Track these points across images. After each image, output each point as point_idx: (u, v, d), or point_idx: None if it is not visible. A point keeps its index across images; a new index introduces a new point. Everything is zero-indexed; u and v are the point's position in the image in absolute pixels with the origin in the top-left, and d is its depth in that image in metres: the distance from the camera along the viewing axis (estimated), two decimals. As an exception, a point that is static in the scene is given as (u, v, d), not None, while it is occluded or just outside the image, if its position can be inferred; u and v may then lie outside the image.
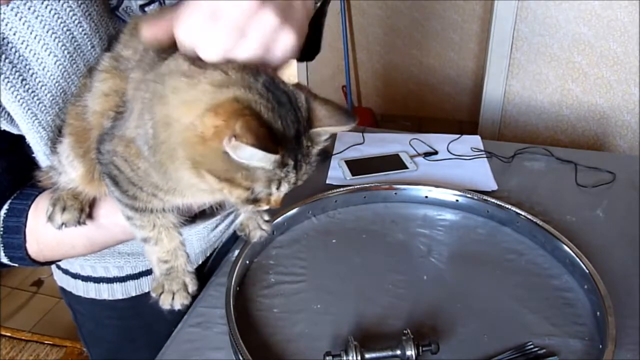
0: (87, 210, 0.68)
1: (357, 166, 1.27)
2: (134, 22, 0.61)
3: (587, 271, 0.90)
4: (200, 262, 0.99)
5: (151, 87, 0.51)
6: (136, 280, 0.94)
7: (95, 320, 1.00)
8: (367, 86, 3.42)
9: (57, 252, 0.73)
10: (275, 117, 0.48)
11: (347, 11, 3.17)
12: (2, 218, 0.68)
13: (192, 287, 0.64)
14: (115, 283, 0.93)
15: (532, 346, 0.81)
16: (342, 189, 1.13)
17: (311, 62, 3.41)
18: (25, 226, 0.68)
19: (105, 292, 0.93)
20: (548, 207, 1.12)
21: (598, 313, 0.85)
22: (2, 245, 0.69)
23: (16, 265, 0.73)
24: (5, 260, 0.71)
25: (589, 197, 1.18)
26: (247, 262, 0.97)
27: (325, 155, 1.32)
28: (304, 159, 0.51)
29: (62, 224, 0.66)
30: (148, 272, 0.94)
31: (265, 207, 0.55)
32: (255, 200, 0.53)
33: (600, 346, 0.80)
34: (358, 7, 3.18)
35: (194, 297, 0.93)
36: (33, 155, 0.69)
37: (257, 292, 0.92)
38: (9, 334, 1.53)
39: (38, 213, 0.68)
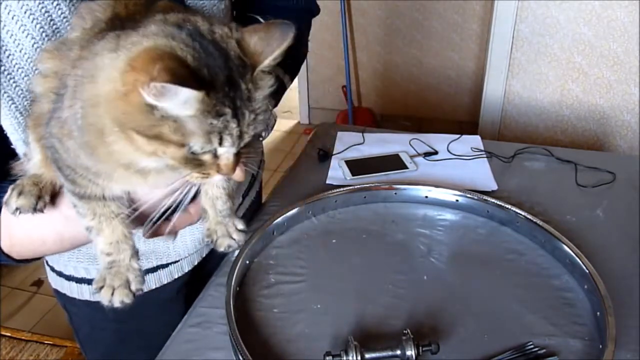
0: (46, 198, 0.64)
1: (357, 166, 1.27)
2: (84, 5, 0.59)
3: (587, 271, 0.90)
4: (196, 263, 0.98)
5: (84, 65, 0.50)
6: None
7: (90, 322, 0.99)
8: (367, 86, 3.42)
9: (29, 248, 0.70)
10: (201, 64, 0.45)
11: (347, 11, 3.17)
12: None
13: (135, 285, 0.60)
14: None
15: (532, 346, 0.81)
16: (342, 189, 1.13)
17: (311, 62, 3.41)
18: None
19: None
20: (548, 207, 1.12)
21: (598, 313, 0.85)
22: None
23: None
24: None
25: (589, 197, 1.18)
26: (247, 262, 0.97)
27: (326, 155, 1.32)
28: (244, 105, 0.48)
29: (17, 208, 0.62)
30: None
31: (217, 177, 0.52)
32: (199, 164, 0.50)
33: (600, 346, 0.80)
34: (358, 7, 3.18)
35: (194, 297, 0.94)
36: (12, 146, 0.67)
37: (257, 292, 0.92)
38: (9, 334, 1.53)
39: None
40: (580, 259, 0.92)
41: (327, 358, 0.76)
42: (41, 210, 0.64)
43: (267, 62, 0.50)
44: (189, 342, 0.84)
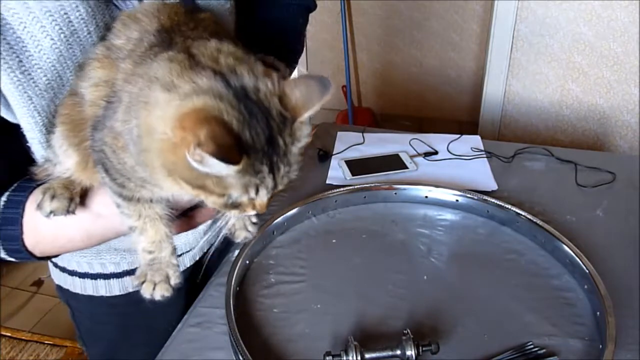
0: (77, 200, 0.67)
1: (357, 166, 1.27)
2: (127, 12, 0.62)
3: (587, 271, 0.90)
4: (197, 258, 0.99)
5: (139, 85, 0.52)
6: (133, 276, 0.93)
7: (92, 317, 1.00)
8: (367, 86, 3.42)
9: (54, 245, 0.72)
10: (244, 126, 0.49)
11: (347, 11, 3.17)
12: (0, 209, 0.68)
13: (174, 279, 0.64)
14: (112, 279, 0.93)
15: (532, 346, 0.81)
16: (342, 189, 1.13)
17: (311, 62, 3.41)
18: (22, 217, 0.68)
19: (102, 289, 0.93)
20: (548, 207, 1.12)
21: (598, 313, 0.85)
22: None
23: (13, 259, 0.72)
24: (2, 254, 0.71)
25: (589, 197, 1.18)
26: (247, 262, 0.97)
27: (326, 155, 1.32)
28: (281, 160, 0.52)
29: (51, 212, 0.65)
30: None
31: (252, 212, 0.56)
32: (236, 205, 0.54)
33: (600, 346, 0.80)
34: (358, 7, 3.18)
35: (194, 292, 0.94)
36: (28, 144, 0.69)
37: (257, 292, 0.92)
38: (9, 334, 1.53)
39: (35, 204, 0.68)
40: (580, 259, 0.92)
41: (327, 358, 0.76)
42: (73, 212, 0.67)
43: (307, 115, 0.53)
44: (189, 342, 0.84)
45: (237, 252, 0.95)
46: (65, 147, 0.65)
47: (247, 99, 0.50)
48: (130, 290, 0.94)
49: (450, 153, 1.34)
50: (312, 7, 1.01)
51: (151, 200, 0.62)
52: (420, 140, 1.38)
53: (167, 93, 0.50)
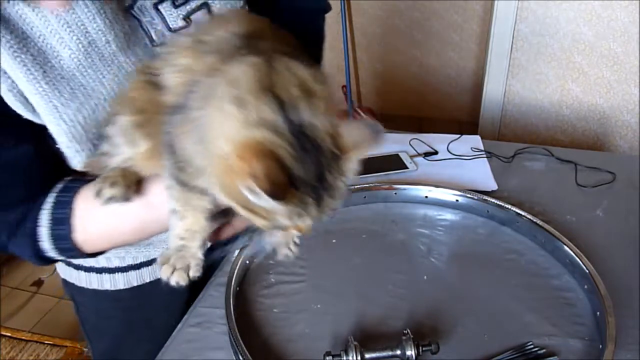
0: (134, 188, 0.69)
1: (357, 166, 1.27)
2: (217, 14, 0.67)
3: (587, 271, 0.90)
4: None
5: (217, 83, 0.54)
6: (137, 271, 0.94)
7: (97, 312, 1.01)
8: (367, 86, 3.42)
9: (105, 239, 0.74)
10: (297, 162, 0.51)
11: (347, 11, 3.17)
12: (49, 210, 0.71)
13: (193, 272, 0.65)
14: (117, 273, 0.93)
15: (532, 346, 0.81)
16: (342, 189, 1.13)
17: (311, 62, 3.41)
18: (70, 217, 0.70)
19: (107, 283, 0.94)
20: (548, 207, 1.12)
21: (598, 313, 0.85)
22: (51, 237, 0.71)
23: (62, 258, 0.75)
24: (53, 253, 0.73)
25: (589, 197, 1.18)
26: (247, 262, 0.97)
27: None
28: (327, 193, 0.54)
29: (110, 198, 0.67)
30: (149, 263, 0.94)
31: (296, 233, 0.58)
32: (280, 227, 0.56)
33: (600, 346, 0.80)
34: (358, 7, 3.18)
35: (197, 288, 0.95)
36: (57, 146, 0.71)
37: (257, 292, 0.92)
38: (9, 334, 1.53)
39: (85, 201, 0.70)
40: (580, 259, 0.92)
41: (327, 358, 0.76)
42: (130, 199, 0.68)
43: (356, 156, 0.56)
44: (189, 342, 0.84)
45: (237, 252, 0.95)
46: (132, 136, 0.66)
47: (303, 135, 0.52)
48: (135, 284, 0.95)
49: (450, 153, 1.34)
50: (327, 8, 1.02)
51: (203, 193, 0.62)
52: (420, 140, 1.38)
53: (236, 109, 0.52)
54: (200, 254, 0.66)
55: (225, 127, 0.53)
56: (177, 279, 0.64)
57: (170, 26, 0.74)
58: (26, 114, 0.67)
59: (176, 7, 0.74)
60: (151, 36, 0.73)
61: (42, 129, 0.69)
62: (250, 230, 0.75)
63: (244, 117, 0.52)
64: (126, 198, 0.68)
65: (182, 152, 0.59)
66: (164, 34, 0.74)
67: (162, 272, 0.64)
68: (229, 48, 0.58)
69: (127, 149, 0.66)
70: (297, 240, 0.73)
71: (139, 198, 0.70)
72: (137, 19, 0.72)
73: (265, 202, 0.49)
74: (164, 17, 0.73)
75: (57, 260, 0.78)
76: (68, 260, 0.94)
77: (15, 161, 0.68)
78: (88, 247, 0.73)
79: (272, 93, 0.53)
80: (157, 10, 0.73)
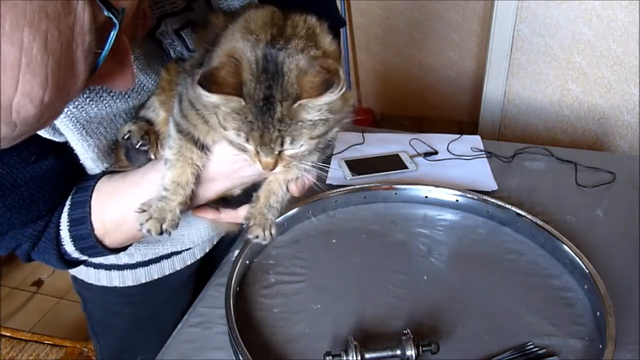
0: (147, 139, 0.73)
1: (357, 166, 1.27)
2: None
3: (587, 271, 0.90)
4: (207, 250, 1.01)
5: (234, 28, 0.61)
6: (146, 268, 0.95)
7: (105, 307, 1.03)
8: (367, 86, 3.42)
9: (122, 230, 0.75)
10: (253, 79, 0.56)
11: (347, 11, 3.17)
12: (67, 212, 0.72)
13: (166, 225, 0.67)
14: (125, 270, 0.94)
15: (532, 346, 0.81)
16: (342, 189, 1.13)
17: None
18: (89, 215, 0.72)
19: (116, 279, 0.95)
20: (548, 207, 1.12)
21: (598, 313, 0.85)
22: (71, 239, 0.73)
23: (85, 258, 0.77)
24: (76, 254, 0.75)
25: (589, 197, 1.18)
26: (247, 262, 0.97)
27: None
28: (272, 122, 0.56)
29: (129, 131, 0.72)
30: (157, 260, 0.95)
31: (260, 167, 0.60)
32: (244, 150, 0.60)
33: (600, 346, 0.80)
34: (358, 7, 3.18)
35: (203, 284, 0.96)
36: (80, 161, 0.73)
37: (257, 292, 0.92)
38: (9, 334, 1.53)
39: (101, 197, 0.73)
40: (580, 259, 0.92)
41: (327, 358, 0.76)
42: (145, 146, 0.73)
43: (308, 102, 0.56)
44: (189, 342, 0.84)
45: (237, 252, 0.95)
46: (154, 107, 0.73)
47: (274, 61, 0.56)
48: (143, 281, 0.96)
49: (450, 153, 1.34)
50: (341, 24, 1.05)
51: (196, 144, 0.66)
52: (420, 140, 1.38)
53: (241, 34, 0.58)
54: (178, 210, 0.68)
55: (227, 45, 0.59)
56: (149, 227, 0.66)
57: (190, 47, 0.77)
58: (54, 138, 0.68)
59: (196, 33, 0.77)
60: (170, 55, 0.76)
61: (64, 143, 0.70)
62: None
63: (241, 37, 0.58)
64: (142, 139, 0.72)
65: (190, 95, 0.63)
66: (182, 53, 0.77)
67: (139, 218, 0.67)
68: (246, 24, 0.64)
69: (154, 117, 0.74)
70: (274, 231, 0.73)
71: (149, 172, 0.73)
72: (160, 43, 0.75)
73: (210, 95, 0.55)
74: (185, 41, 0.77)
75: (81, 262, 0.80)
76: (91, 260, 0.94)
77: (41, 176, 0.69)
78: (107, 241, 0.75)
79: (276, 26, 0.59)
80: (179, 35, 0.76)
